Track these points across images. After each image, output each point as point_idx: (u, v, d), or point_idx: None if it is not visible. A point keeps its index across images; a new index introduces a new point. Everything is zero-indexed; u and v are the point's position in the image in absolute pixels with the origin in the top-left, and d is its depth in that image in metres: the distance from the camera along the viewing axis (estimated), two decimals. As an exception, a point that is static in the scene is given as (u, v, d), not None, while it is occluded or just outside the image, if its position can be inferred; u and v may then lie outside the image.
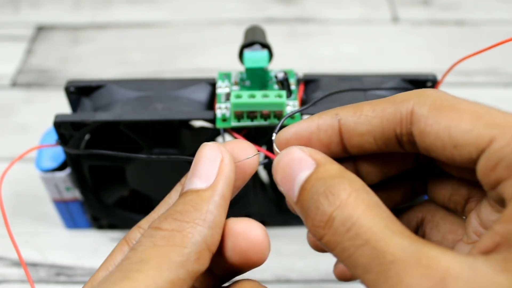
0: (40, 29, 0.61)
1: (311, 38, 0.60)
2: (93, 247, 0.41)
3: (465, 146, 0.19)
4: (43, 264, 0.40)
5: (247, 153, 0.24)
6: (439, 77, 0.35)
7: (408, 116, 0.21)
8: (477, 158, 0.19)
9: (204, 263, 0.21)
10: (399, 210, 0.26)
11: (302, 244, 0.41)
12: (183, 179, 0.25)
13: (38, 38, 0.60)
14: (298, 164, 0.21)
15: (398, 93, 0.22)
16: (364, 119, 0.22)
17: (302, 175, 0.21)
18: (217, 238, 0.21)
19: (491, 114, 0.19)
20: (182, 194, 0.22)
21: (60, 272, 0.39)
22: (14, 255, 0.40)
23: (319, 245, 0.25)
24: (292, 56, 0.57)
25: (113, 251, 0.25)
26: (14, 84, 0.55)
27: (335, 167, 0.21)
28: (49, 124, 0.49)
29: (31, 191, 0.45)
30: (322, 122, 0.23)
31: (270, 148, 0.34)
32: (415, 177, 0.26)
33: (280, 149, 0.24)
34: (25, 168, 0.46)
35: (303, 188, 0.21)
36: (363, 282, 0.19)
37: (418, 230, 0.26)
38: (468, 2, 0.65)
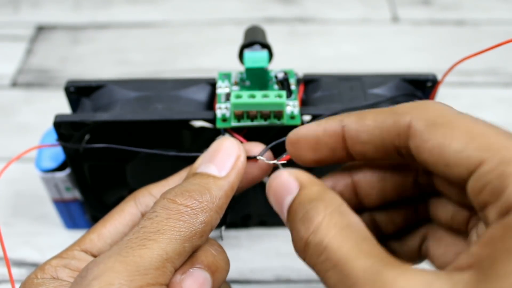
0: (40, 29, 0.61)
1: (311, 38, 0.60)
2: (93, 247, 0.41)
3: (456, 166, 0.19)
4: (43, 264, 0.40)
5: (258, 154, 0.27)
6: (439, 77, 0.35)
7: (406, 129, 0.21)
8: (467, 179, 0.19)
9: (204, 241, 0.23)
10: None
11: (302, 244, 0.41)
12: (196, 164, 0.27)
13: (38, 38, 0.60)
14: (285, 188, 0.23)
15: (400, 104, 0.22)
16: (366, 128, 0.22)
17: (288, 199, 0.22)
18: (218, 220, 0.24)
19: (484, 135, 0.19)
20: (196, 174, 0.25)
21: (60, 272, 0.39)
22: (14, 255, 0.40)
23: None
24: (292, 56, 0.57)
25: (121, 209, 0.27)
26: (14, 84, 0.55)
27: (315, 189, 0.22)
28: (49, 124, 0.49)
29: (31, 191, 0.44)
30: (328, 126, 0.24)
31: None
32: (416, 199, 0.26)
33: (291, 149, 0.25)
34: (25, 168, 0.46)
35: (288, 211, 0.22)
36: None
37: (423, 244, 0.26)
38: (468, 2, 0.65)
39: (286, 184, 0.23)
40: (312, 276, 0.39)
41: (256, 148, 0.28)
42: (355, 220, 0.21)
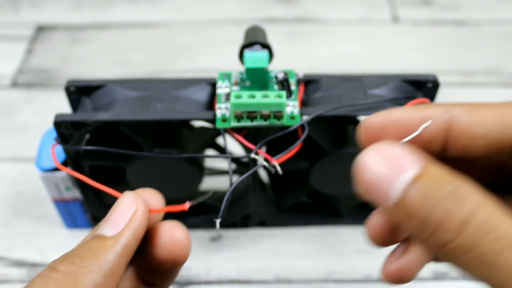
0: (40, 29, 0.61)
1: (311, 38, 0.60)
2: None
3: None
4: (43, 264, 0.40)
5: (156, 201, 0.24)
6: (439, 77, 0.35)
7: None
8: None
9: None
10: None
11: (302, 244, 0.41)
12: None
13: (38, 38, 0.60)
14: (399, 163, 0.19)
15: None
16: (481, 122, 0.20)
17: (406, 176, 0.19)
18: (111, 286, 0.22)
19: None
20: (94, 237, 0.23)
21: (60, 272, 0.39)
22: (14, 255, 0.40)
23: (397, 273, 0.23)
24: (292, 56, 0.57)
25: None
26: (14, 84, 0.55)
27: (445, 170, 0.19)
28: (49, 124, 0.49)
29: (31, 191, 0.44)
30: (430, 115, 0.20)
31: (269, 151, 0.34)
32: None
33: (369, 134, 0.21)
34: (25, 168, 0.46)
35: (409, 190, 0.19)
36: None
37: None
38: (468, 2, 0.65)
39: (401, 158, 0.19)
40: (312, 276, 0.39)
41: (152, 197, 0.25)
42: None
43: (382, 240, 0.23)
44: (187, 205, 0.24)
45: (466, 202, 0.18)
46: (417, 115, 0.21)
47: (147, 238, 0.24)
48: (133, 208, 0.23)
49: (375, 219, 0.23)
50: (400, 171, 0.19)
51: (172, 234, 0.24)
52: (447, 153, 0.21)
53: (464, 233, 0.18)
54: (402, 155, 0.19)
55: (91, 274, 0.21)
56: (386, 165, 0.19)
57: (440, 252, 0.19)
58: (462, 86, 0.54)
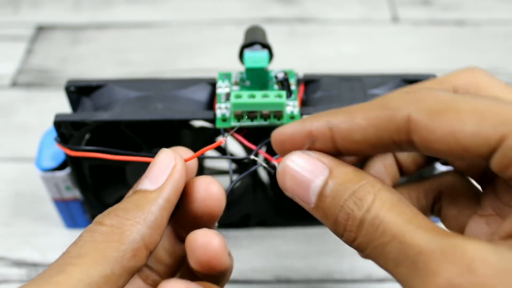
0: (40, 29, 0.61)
1: (311, 38, 0.60)
2: (93, 247, 0.41)
3: (475, 148, 0.19)
4: (43, 264, 0.40)
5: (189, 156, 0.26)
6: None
7: (405, 124, 0.20)
8: (490, 156, 0.19)
9: (140, 260, 0.21)
10: (418, 183, 0.27)
11: (302, 244, 0.41)
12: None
13: (38, 38, 0.60)
14: (309, 171, 0.22)
15: (389, 96, 0.21)
16: (358, 128, 0.21)
17: (318, 182, 0.21)
18: (156, 238, 0.22)
19: (493, 110, 0.19)
20: (135, 192, 0.23)
21: (60, 272, 0.39)
22: (14, 255, 0.40)
23: None
24: (292, 56, 0.57)
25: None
26: (14, 84, 0.55)
27: (349, 170, 0.21)
28: (49, 124, 0.49)
29: (31, 191, 0.44)
30: (314, 128, 0.22)
31: (269, 150, 0.34)
32: None
33: (277, 149, 0.24)
34: (25, 168, 0.46)
35: (321, 194, 0.21)
36: (395, 276, 0.19)
37: (435, 204, 0.26)
38: (468, 2, 0.65)
39: (312, 167, 0.22)
40: (312, 276, 0.39)
41: (186, 152, 0.27)
42: (401, 196, 0.21)
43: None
44: (223, 140, 0.25)
45: (364, 202, 0.20)
46: (304, 129, 0.22)
47: (183, 193, 0.25)
48: (172, 163, 0.24)
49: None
50: (313, 178, 0.21)
51: (207, 187, 0.25)
52: (347, 155, 0.23)
53: (362, 231, 0.20)
54: (311, 163, 0.22)
55: (137, 226, 0.21)
56: (300, 175, 0.22)
57: (353, 248, 0.21)
58: (462, 86, 0.54)
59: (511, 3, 0.65)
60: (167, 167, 0.24)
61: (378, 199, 0.20)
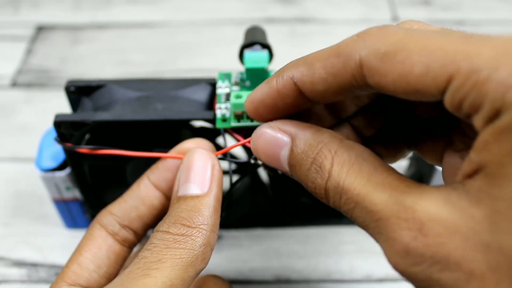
0: (40, 29, 0.61)
1: (311, 38, 0.60)
2: (93, 247, 0.41)
3: (426, 89, 0.18)
4: (43, 264, 0.40)
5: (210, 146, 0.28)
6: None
7: (359, 69, 0.20)
8: (442, 97, 0.18)
9: (207, 261, 0.24)
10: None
11: (302, 244, 0.41)
12: (148, 173, 0.28)
13: (38, 38, 0.60)
14: (274, 144, 0.23)
15: (343, 41, 0.21)
16: (319, 79, 0.21)
17: (284, 154, 0.23)
18: (216, 238, 0.24)
19: (443, 47, 0.18)
20: (180, 198, 0.25)
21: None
22: (14, 255, 0.40)
23: None
24: (292, 56, 0.57)
25: (91, 235, 0.27)
26: (14, 84, 0.55)
27: (308, 134, 0.22)
28: (49, 124, 0.49)
29: (31, 191, 0.45)
30: (281, 87, 0.23)
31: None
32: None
33: (253, 115, 0.24)
34: (25, 168, 0.46)
35: (291, 164, 0.23)
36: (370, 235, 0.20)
37: (410, 140, 0.26)
38: (468, 2, 0.65)
39: (274, 140, 0.23)
40: (312, 276, 0.39)
41: (204, 144, 0.28)
42: (360, 149, 0.21)
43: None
44: (248, 139, 0.26)
45: (323, 169, 0.21)
46: (272, 90, 0.23)
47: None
48: (209, 163, 0.26)
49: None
50: (279, 149, 0.23)
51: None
52: (319, 102, 0.23)
53: (330, 199, 0.21)
54: (274, 136, 0.23)
55: (202, 232, 0.23)
56: (269, 149, 0.23)
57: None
58: (462, 86, 0.54)
59: (511, 3, 0.65)
60: (206, 168, 0.25)
61: (336, 163, 0.21)
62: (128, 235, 0.28)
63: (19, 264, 0.40)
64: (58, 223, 0.42)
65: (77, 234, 0.41)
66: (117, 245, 0.27)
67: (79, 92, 0.34)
